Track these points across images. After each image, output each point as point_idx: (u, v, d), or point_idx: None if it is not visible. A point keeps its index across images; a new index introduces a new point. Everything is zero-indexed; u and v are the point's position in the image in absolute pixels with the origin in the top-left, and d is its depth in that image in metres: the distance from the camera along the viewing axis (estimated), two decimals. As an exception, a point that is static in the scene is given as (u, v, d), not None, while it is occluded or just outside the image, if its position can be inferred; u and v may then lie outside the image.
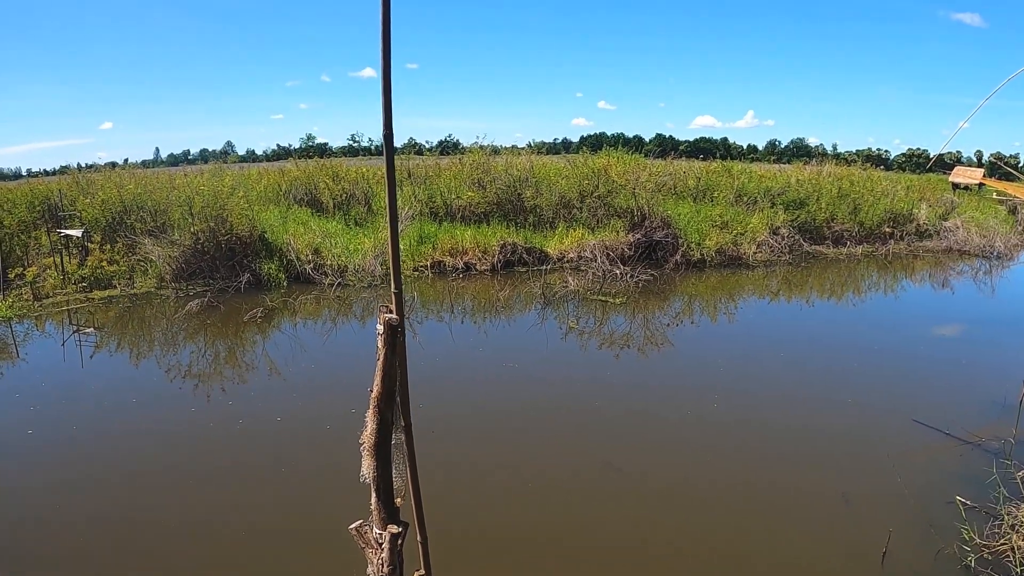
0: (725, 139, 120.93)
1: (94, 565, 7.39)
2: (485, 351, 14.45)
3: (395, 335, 3.34)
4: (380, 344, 3.38)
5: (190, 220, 20.84)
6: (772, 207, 26.22)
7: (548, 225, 24.68)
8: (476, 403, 11.49)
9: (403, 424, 3.69)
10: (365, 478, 3.72)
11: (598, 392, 11.93)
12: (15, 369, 14.81)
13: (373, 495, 3.77)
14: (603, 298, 17.97)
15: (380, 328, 3.34)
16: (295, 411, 11.29)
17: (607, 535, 7.67)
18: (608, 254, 21.53)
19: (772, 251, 24.16)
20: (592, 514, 8.07)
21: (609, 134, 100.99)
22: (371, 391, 3.49)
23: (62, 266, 21.75)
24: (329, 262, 20.80)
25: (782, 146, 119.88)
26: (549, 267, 21.81)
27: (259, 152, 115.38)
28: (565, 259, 22.49)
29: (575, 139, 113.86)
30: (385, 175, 3.41)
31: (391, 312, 3.35)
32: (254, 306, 17.57)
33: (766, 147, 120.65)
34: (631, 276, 20.07)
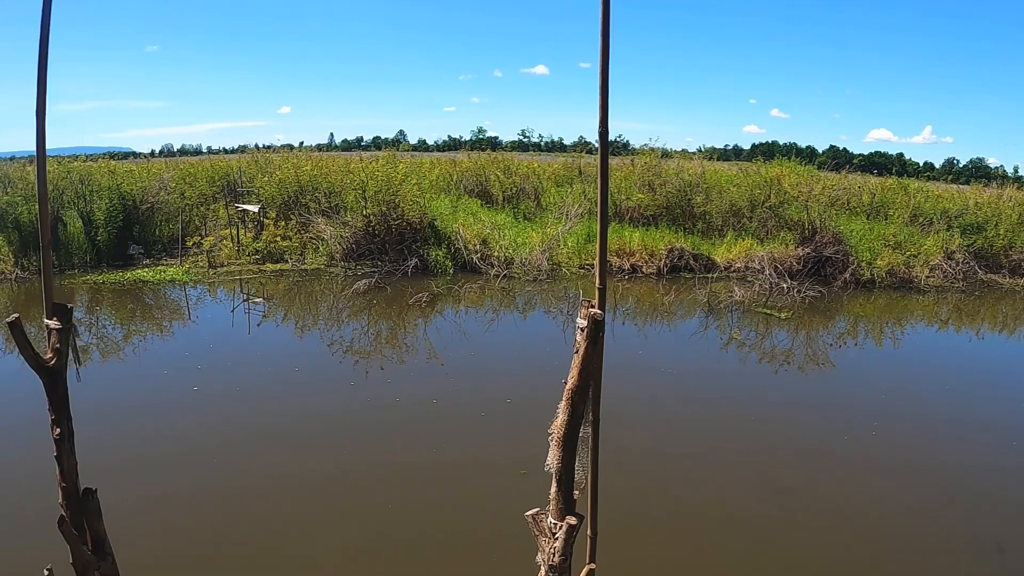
0: (901, 155, 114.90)
1: (244, 513, 7.88)
2: (644, 355, 14.29)
3: (598, 330, 3.36)
4: (580, 338, 3.40)
5: (363, 203, 21.76)
6: (948, 230, 24.59)
7: (717, 233, 24.16)
8: (632, 409, 11.25)
9: (591, 419, 3.70)
10: (549, 467, 3.76)
11: (755, 408, 11.56)
12: (186, 329, 15.98)
13: (554, 485, 3.80)
14: (768, 311, 17.42)
15: (582, 322, 3.37)
16: (450, 395, 11.54)
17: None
18: (776, 267, 20.83)
19: (945, 276, 22.63)
20: (770, 540, 7.79)
21: (781, 143, 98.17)
22: (565, 382, 3.52)
23: (237, 238, 23.29)
24: (496, 253, 21.18)
25: (960, 165, 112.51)
26: (715, 275, 21.34)
27: (430, 142, 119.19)
28: (732, 268, 21.94)
29: (746, 146, 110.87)
30: (598, 172, 3.43)
31: (594, 307, 3.37)
32: (419, 290, 18.17)
33: (943, 165, 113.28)
34: (798, 291, 19.36)
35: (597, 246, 3.50)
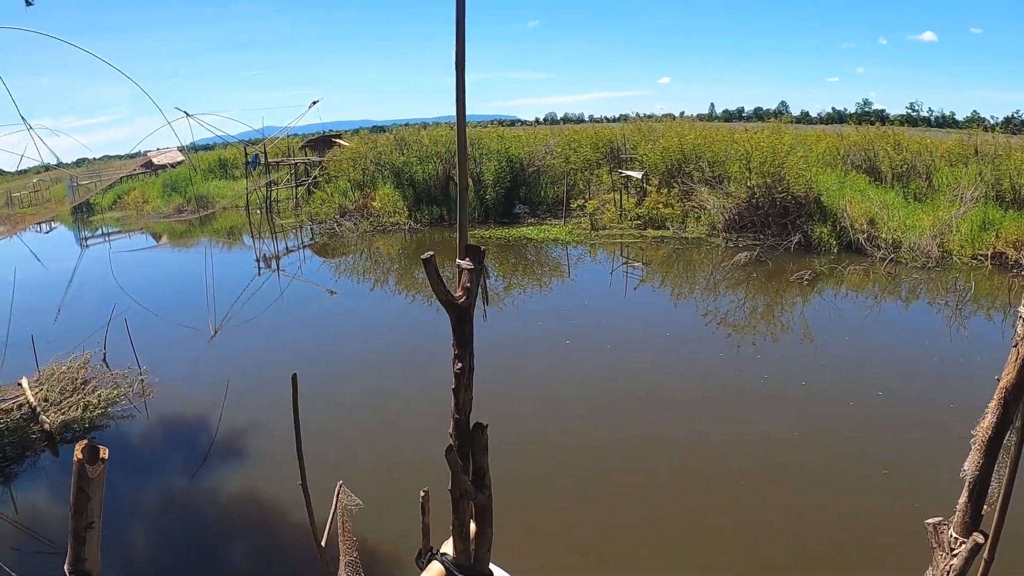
0: None
1: (610, 469, 8.12)
2: None
3: (1049, 322, 2.87)
4: (1022, 329, 2.94)
5: (747, 174, 21.23)
6: None
7: None
8: None
9: (1019, 425, 3.20)
10: (964, 473, 3.33)
11: None
12: (564, 286, 16.83)
13: (964, 494, 3.36)
14: None
15: (1025, 311, 2.90)
16: (820, 379, 10.94)
17: None
18: None
19: None
20: None
21: None
22: (999, 379, 3.07)
23: (620, 203, 24.02)
24: (883, 235, 19.38)
25: None
26: None
27: (812, 114, 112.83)
28: None
29: None
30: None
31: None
32: (801, 268, 17.30)
33: None
34: None
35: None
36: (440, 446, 4.23)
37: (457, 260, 4.18)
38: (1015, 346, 2.98)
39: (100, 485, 2.84)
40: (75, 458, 2.72)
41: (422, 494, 4.82)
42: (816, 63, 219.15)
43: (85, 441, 2.70)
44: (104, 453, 2.79)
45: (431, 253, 3.97)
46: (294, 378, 4.65)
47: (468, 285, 4.10)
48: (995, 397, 3.09)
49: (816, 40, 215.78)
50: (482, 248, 4.19)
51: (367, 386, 11.40)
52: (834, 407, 9.93)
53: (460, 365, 4.11)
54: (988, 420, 3.15)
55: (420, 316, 15.44)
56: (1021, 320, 2.95)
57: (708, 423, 9.48)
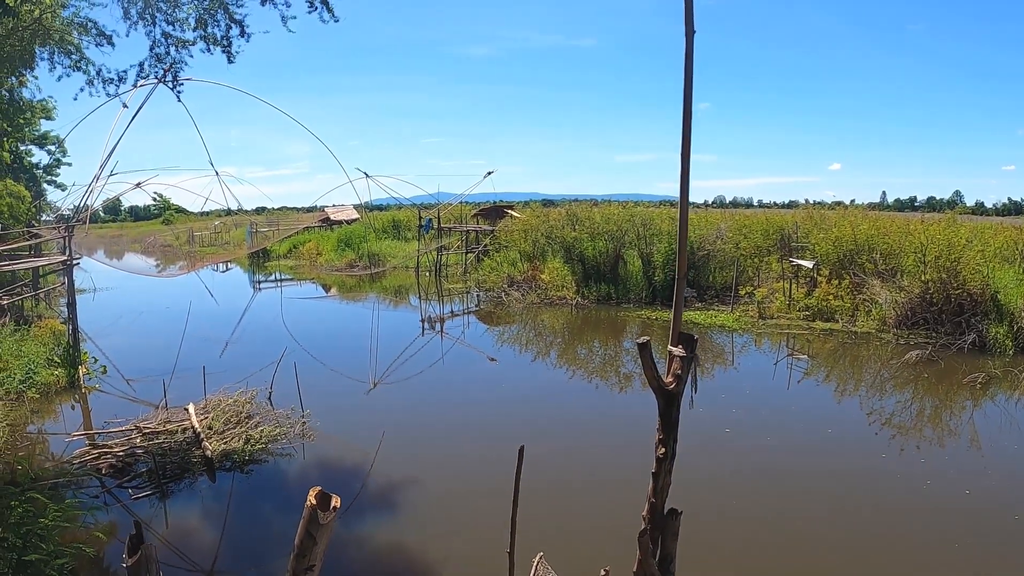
0: None
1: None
2: None
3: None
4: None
5: (921, 268, 21.19)
6: None
7: None
8: None
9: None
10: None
11: None
12: (726, 374, 17.37)
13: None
14: None
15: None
16: (988, 489, 10.89)
17: None
18: None
19: None
20: None
21: None
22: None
23: (789, 292, 24.36)
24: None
25: None
26: None
27: (988, 205, 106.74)
28: None
29: None
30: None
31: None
32: (974, 369, 17.05)
33: None
34: None
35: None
36: (629, 527, 4.66)
37: (669, 346, 4.47)
38: None
39: (328, 532, 3.41)
40: (308, 503, 3.36)
41: (603, 573, 5.28)
42: (991, 150, 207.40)
43: (319, 488, 3.37)
44: (336, 502, 3.28)
45: (647, 338, 4.25)
46: (521, 450, 5.39)
47: (679, 372, 4.42)
48: None
49: (991, 127, 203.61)
50: (695, 336, 4.55)
51: (531, 455, 11.72)
52: (999, 521, 9.87)
53: (663, 450, 4.46)
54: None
55: (582, 391, 16.41)
56: None
57: (869, 526, 9.66)
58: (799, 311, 23.35)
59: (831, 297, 22.97)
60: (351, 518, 9.49)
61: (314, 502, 3.29)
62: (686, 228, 4.47)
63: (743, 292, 25.46)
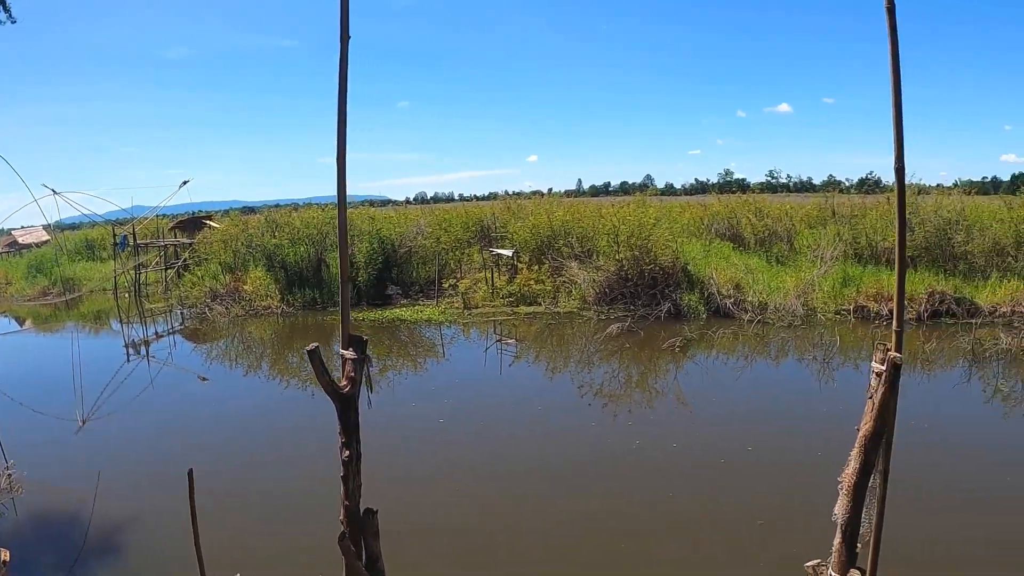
0: None
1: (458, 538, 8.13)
2: (900, 404, 13.04)
3: (897, 374, 3.22)
4: (875, 383, 3.28)
5: (615, 248, 22.06)
6: None
7: (980, 274, 21.69)
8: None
9: (881, 468, 3.53)
10: (836, 517, 3.62)
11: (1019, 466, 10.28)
12: (439, 366, 16.94)
13: (838, 536, 3.66)
14: (1041, 362, 15.50)
15: (877, 367, 3.25)
16: (692, 441, 11.39)
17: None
18: (1049, 310, 18.53)
19: None
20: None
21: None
22: (858, 428, 3.39)
23: (491, 281, 24.40)
24: (750, 298, 20.61)
25: None
26: (979, 321, 19.13)
27: (677, 186, 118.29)
28: (997, 313, 19.58)
29: (1005, 177, 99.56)
30: (896, 211, 3.32)
31: (891, 350, 3.23)
32: (672, 335, 17.98)
33: None
34: (1081, 339, 17.02)
35: (895, 287, 3.36)
36: (333, 533, 4.25)
37: (340, 350, 4.30)
38: (870, 397, 3.33)
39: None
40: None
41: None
42: (679, 137, 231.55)
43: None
44: (5, 555, 2.75)
45: (315, 345, 4.18)
46: (190, 473, 4.60)
47: (352, 375, 4.34)
48: (856, 445, 3.42)
49: (678, 115, 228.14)
50: (364, 337, 4.45)
51: (248, 475, 11.00)
52: (707, 465, 10.33)
53: (348, 452, 4.34)
54: (852, 466, 3.47)
55: (296, 401, 15.13)
56: (874, 374, 3.31)
57: (583, 491, 9.67)
58: (503, 298, 23.51)
59: (532, 282, 23.35)
60: (79, 571, 8.41)
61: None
62: (345, 232, 4.40)
63: (447, 285, 25.28)
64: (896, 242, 3.34)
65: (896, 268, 3.32)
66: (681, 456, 10.79)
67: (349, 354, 4.32)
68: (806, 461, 10.02)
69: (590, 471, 10.41)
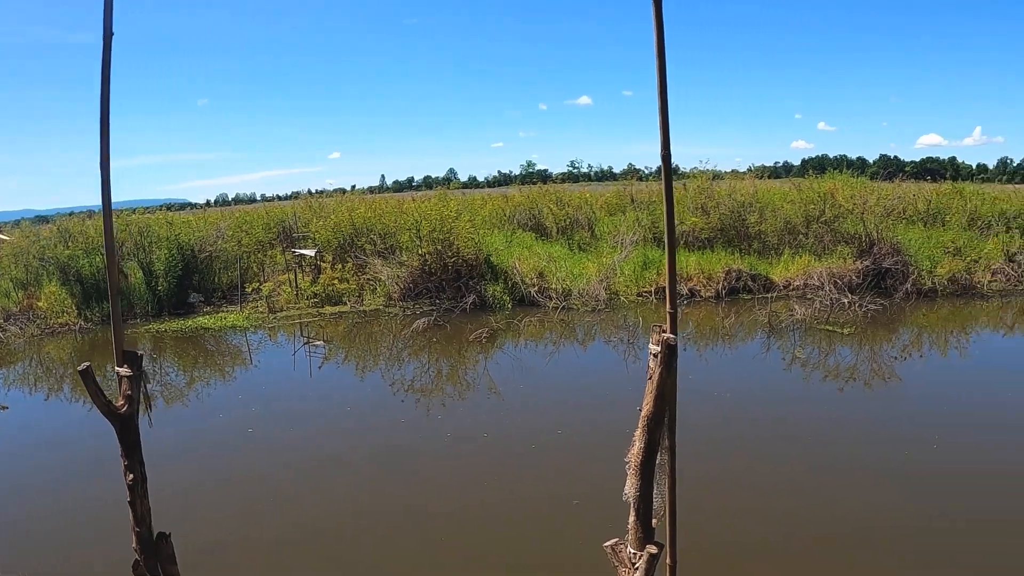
0: (953, 159, 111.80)
1: (285, 548, 7.90)
2: (707, 379, 13.95)
3: (672, 355, 3.33)
4: (652, 364, 3.38)
5: (417, 243, 22.01)
6: (1007, 231, 23.89)
7: (773, 251, 23.77)
8: (700, 436, 10.72)
9: (667, 445, 3.66)
10: (627, 496, 3.72)
11: (822, 427, 11.26)
12: (247, 374, 16.33)
13: (632, 514, 3.77)
14: (830, 328, 17.06)
15: (654, 348, 3.35)
16: (503, 428, 11.61)
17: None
18: (835, 282, 20.40)
19: (1008, 280, 21.95)
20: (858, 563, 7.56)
21: (831, 156, 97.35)
22: (640, 410, 3.49)
23: (295, 283, 23.71)
24: (553, 285, 21.21)
25: (1014, 164, 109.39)
26: (774, 295, 20.96)
27: (480, 179, 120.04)
28: (791, 287, 21.53)
29: (796, 162, 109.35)
30: (664, 196, 3.43)
31: (666, 332, 3.34)
32: (479, 326, 18.22)
33: (996, 166, 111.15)
34: (859, 306, 18.92)
35: (667, 269, 3.47)
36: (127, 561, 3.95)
37: (116, 368, 4.00)
38: (650, 379, 3.43)
39: None
40: None
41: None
42: (482, 130, 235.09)
43: None
44: None
45: (87, 364, 3.80)
46: None
47: (129, 393, 4.22)
48: (639, 425, 3.52)
49: (481, 109, 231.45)
50: (139, 352, 4.11)
51: (46, 506, 9.95)
52: (519, 452, 10.53)
53: (132, 476, 4.24)
54: (637, 446, 3.57)
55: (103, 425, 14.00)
56: (652, 356, 3.41)
57: (399, 486, 9.60)
58: (308, 299, 22.88)
59: (336, 281, 22.87)
60: None
61: None
62: (112, 241, 4.22)
63: (250, 289, 24.28)
64: (665, 226, 3.45)
65: (666, 252, 3.44)
66: (493, 445, 10.93)
67: (124, 371, 4.16)
68: (615, 440, 10.30)
69: (404, 464, 10.34)
